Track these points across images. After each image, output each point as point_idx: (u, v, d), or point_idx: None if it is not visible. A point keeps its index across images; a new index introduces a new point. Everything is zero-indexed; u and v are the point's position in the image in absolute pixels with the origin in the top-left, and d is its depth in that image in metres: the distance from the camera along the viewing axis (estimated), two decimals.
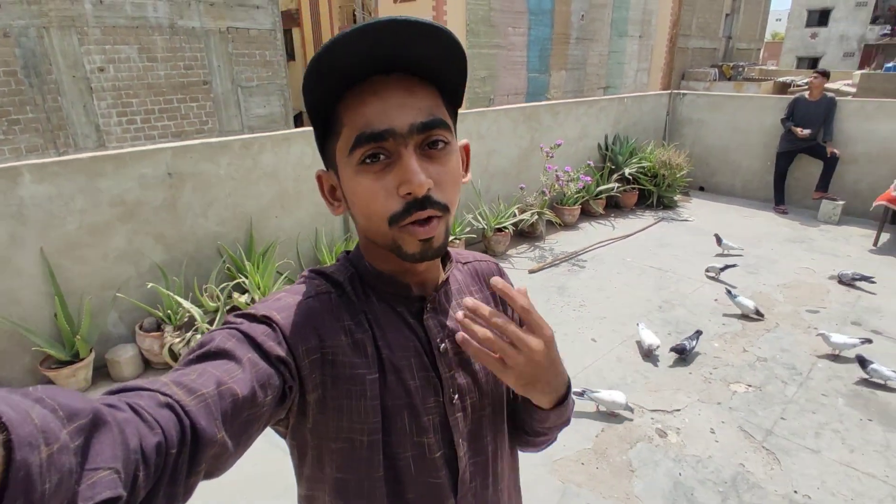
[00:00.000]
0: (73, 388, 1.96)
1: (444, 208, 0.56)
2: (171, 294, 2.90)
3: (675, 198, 6.02)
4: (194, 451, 0.42)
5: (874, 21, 26.20)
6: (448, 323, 0.65)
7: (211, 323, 2.92)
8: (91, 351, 2.75)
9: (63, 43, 5.99)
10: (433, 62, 0.54)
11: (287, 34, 12.02)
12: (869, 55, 25.47)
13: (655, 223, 5.47)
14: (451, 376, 0.64)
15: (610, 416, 2.55)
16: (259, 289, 3.10)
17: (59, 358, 2.67)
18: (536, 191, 4.95)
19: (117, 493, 0.33)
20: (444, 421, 0.63)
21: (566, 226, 5.28)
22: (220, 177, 3.18)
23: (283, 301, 0.59)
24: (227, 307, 3.04)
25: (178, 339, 2.79)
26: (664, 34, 14.20)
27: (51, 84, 5.98)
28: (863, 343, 2.98)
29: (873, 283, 3.87)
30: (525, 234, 5.02)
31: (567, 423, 0.69)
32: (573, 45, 12.11)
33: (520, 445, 0.77)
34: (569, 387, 0.63)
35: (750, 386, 2.79)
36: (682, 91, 6.97)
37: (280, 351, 0.53)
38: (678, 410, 2.60)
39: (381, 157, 0.54)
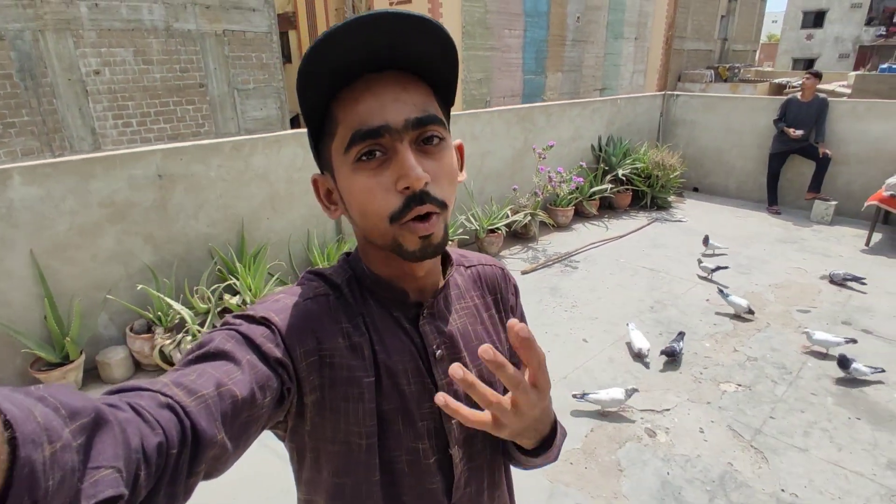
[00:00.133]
0: None
1: (442, 205, 0.55)
2: (162, 296, 2.91)
3: (669, 198, 6.04)
4: (195, 451, 0.42)
5: (869, 22, 26.32)
6: (446, 328, 0.65)
7: (202, 325, 2.92)
8: (81, 353, 2.75)
9: (58, 46, 5.99)
10: (428, 57, 0.54)
11: (283, 37, 12.05)
12: (864, 56, 25.57)
13: (649, 224, 5.48)
14: (446, 382, 0.63)
15: (601, 415, 2.56)
16: (250, 290, 3.10)
17: (49, 360, 2.67)
18: (529, 192, 4.97)
19: (119, 491, 0.33)
20: (440, 427, 0.63)
21: (559, 227, 5.29)
22: (211, 178, 3.18)
23: (281, 302, 0.59)
24: (218, 309, 3.04)
25: (168, 341, 2.79)
26: (660, 36, 14.25)
27: (46, 87, 5.98)
28: (847, 342, 2.99)
29: (864, 283, 3.89)
30: (518, 236, 5.03)
31: (554, 460, 0.67)
32: (569, 47, 12.13)
33: (510, 462, 0.76)
34: (554, 427, 0.60)
35: (740, 385, 2.80)
36: (675, 92, 6.99)
37: (278, 353, 0.53)
38: (668, 410, 2.61)
39: (378, 153, 0.53)
